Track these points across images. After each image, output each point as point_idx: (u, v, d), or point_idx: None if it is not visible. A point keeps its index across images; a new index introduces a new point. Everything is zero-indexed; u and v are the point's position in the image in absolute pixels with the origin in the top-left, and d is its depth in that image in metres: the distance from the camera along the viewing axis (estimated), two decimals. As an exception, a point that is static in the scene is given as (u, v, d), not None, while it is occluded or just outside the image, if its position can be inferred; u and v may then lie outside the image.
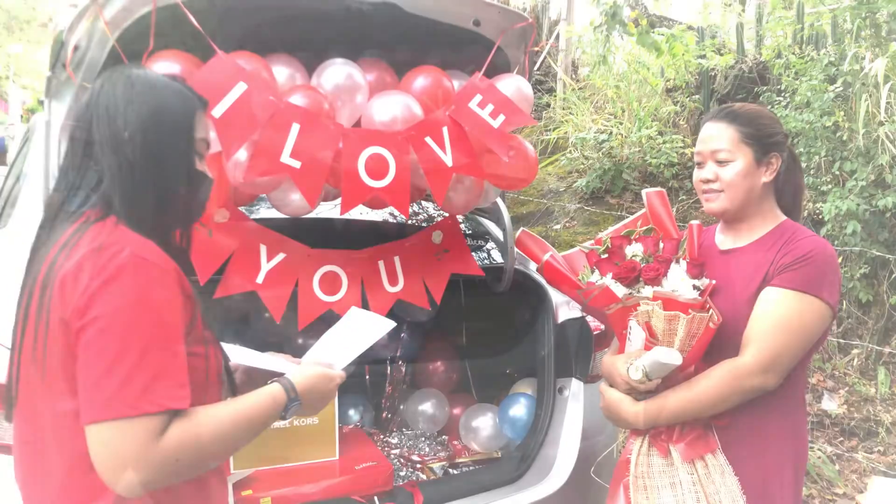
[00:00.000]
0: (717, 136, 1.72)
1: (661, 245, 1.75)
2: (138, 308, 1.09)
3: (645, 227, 1.85)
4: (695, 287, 1.66)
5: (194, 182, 1.31)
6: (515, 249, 2.70)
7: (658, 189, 1.92)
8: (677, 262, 1.71)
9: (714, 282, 1.70)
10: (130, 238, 1.16)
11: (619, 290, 1.72)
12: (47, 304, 1.13)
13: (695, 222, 1.81)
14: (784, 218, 1.76)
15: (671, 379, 1.66)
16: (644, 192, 1.92)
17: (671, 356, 1.58)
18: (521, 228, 2.10)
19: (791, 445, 1.68)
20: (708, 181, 1.73)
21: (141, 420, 1.06)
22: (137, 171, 1.21)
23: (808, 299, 1.59)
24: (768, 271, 1.65)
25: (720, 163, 1.71)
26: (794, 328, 1.59)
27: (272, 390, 1.31)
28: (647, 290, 1.69)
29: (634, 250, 1.76)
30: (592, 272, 1.79)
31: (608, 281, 1.74)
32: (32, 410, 1.20)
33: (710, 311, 1.63)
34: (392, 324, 1.71)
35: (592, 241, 1.89)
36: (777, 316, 1.59)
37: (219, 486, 1.35)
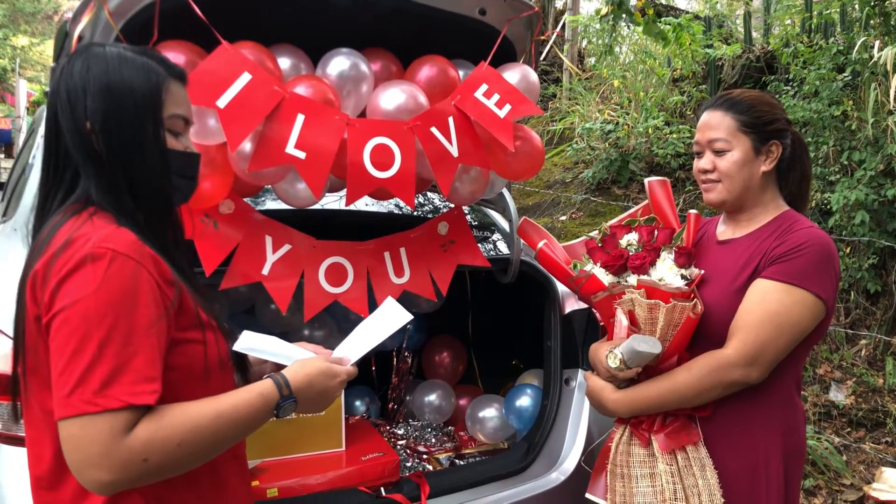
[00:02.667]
0: (715, 124, 1.69)
1: (656, 234, 1.74)
2: (97, 299, 1.05)
3: (646, 217, 1.83)
4: (683, 277, 1.65)
5: (171, 162, 1.23)
6: (521, 240, 2.70)
7: (661, 178, 1.91)
8: (670, 251, 1.70)
9: (703, 272, 1.68)
10: (98, 229, 1.11)
11: (606, 278, 1.72)
12: (23, 305, 1.11)
13: (693, 212, 1.78)
14: (786, 208, 1.72)
15: (654, 368, 1.65)
16: (647, 181, 1.90)
17: (649, 344, 1.57)
18: (524, 217, 2.10)
19: (779, 441, 1.63)
20: (706, 171, 1.71)
21: (103, 416, 1.02)
22: (106, 160, 1.17)
23: (798, 292, 1.55)
24: (760, 262, 1.61)
25: (717, 152, 1.68)
26: (781, 322, 1.54)
27: (262, 387, 1.23)
28: (633, 279, 1.68)
29: (630, 239, 1.75)
30: (589, 261, 1.79)
31: (595, 269, 1.74)
32: (30, 414, 1.18)
33: (694, 300, 1.61)
34: (410, 316, 1.66)
35: (598, 231, 1.88)
36: (763, 309, 1.55)
37: (238, 478, 1.31)
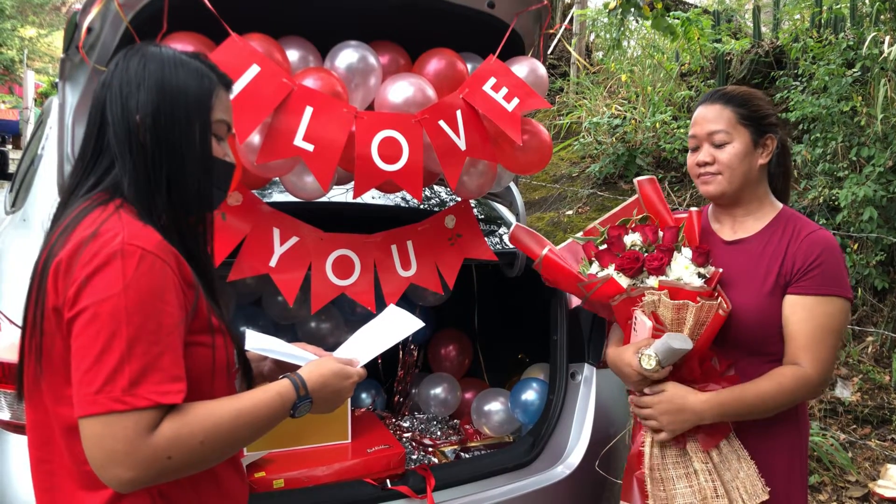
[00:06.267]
0: (713, 118, 1.70)
1: (661, 234, 1.73)
2: (127, 298, 1.05)
3: (640, 216, 1.83)
4: (700, 275, 1.64)
5: (210, 167, 1.24)
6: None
7: (649, 177, 1.91)
8: (678, 250, 1.69)
9: (721, 270, 1.68)
10: (127, 225, 1.11)
11: (623, 281, 1.71)
12: (42, 291, 1.11)
13: (694, 209, 1.79)
14: (781, 205, 1.75)
15: (680, 369, 1.64)
16: (636, 180, 1.90)
17: (681, 341, 1.56)
18: (515, 223, 2.06)
19: (795, 432, 1.68)
20: (705, 164, 1.71)
21: (130, 415, 1.02)
22: (147, 155, 1.18)
23: (836, 301, 1.61)
24: (783, 265, 1.64)
25: (717, 145, 1.69)
26: (835, 331, 1.60)
27: (280, 387, 1.25)
28: (652, 280, 1.67)
29: (633, 240, 1.74)
30: (591, 264, 1.78)
31: (612, 272, 1.72)
32: (35, 397, 1.18)
33: (719, 298, 1.61)
34: (421, 323, 1.68)
35: (583, 233, 1.88)
36: (817, 324, 1.59)
37: (235, 478, 1.32)
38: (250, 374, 1.38)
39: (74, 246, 1.09)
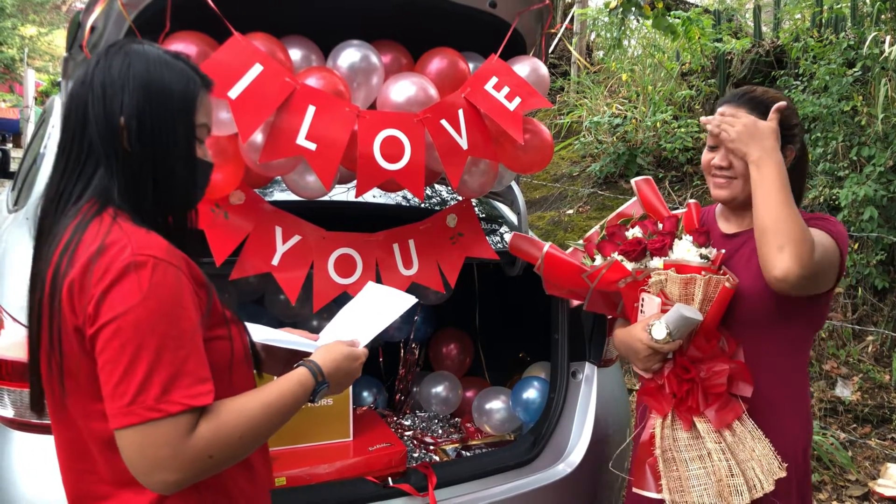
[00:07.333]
0: None
1: (660, 226, 1.74)
2: (147, 308, 1.06)
3: (640, 216, 1.84)
4: (703, 256, 1.65)
5: (193, 170, 1.24)
6: (529, 233, 2.70)
7: (645, 177, 1.91)
8: (679, 238, 1.70)
9: (724, 251, 1.67)
10: (131, 234, 1.11)
11: (628, 266, 1.70)
12: (57, 313, 1.10)
13: (692, 201, 1.80)
14: None
15: (688, 346, 1.63)
16: (633, 181, 1.91)
17: (692, 311, 1.56)
18: (514, 232, 2.07)
19: (800, 428, 1.69)
20: (721, 168, 1.69)
21: (167, 421, 1.04)
22: (134, 158, 1.17)
23: (827, 237, 1.58)
24: None
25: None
26: (822, 247, 1.54)
27: (299, 376, 1.28)
28: (656, 262, 1.68)
29: (634, 233, 1.75)
30: (594, 260, 1.78)
31: (617, 256, 1.72)
32: (62, 417, 1.18)
33: (727, 274, 1.61)
34: (414, 299, 1.66)
35: (584, 239, 1.90)
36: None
37: (263, 464, 1.35)
38: (259, 361, 1.41)
39: (84, 263, 1.08)
